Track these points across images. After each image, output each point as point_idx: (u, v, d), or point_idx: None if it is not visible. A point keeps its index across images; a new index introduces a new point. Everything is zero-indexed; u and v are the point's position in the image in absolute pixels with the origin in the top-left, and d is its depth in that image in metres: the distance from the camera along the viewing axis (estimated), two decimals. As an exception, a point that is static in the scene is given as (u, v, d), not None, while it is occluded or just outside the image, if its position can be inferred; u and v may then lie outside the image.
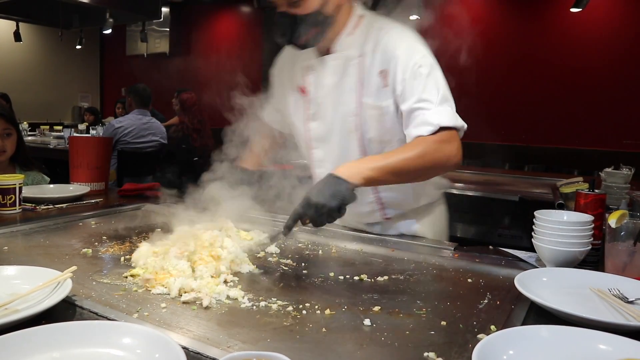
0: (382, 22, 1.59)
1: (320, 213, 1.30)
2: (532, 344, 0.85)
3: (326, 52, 1.63)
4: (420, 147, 1.44)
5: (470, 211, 3.02)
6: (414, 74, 1.48)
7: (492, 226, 2.99)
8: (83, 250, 1.50)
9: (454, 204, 3.10)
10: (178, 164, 5.32)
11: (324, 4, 1.51)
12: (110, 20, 5.86)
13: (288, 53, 1.80)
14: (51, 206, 2.06)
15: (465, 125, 1.50)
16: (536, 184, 3.43)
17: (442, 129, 1.44)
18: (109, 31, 6.25)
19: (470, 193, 3.01)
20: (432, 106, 1.46)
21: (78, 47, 7.93)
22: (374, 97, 1.56)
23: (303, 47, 1.58)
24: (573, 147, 5.63)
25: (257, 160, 1.83)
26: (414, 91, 1.48)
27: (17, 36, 7.08)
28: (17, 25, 7.07)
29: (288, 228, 1.35)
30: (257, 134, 1.85)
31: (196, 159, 5.00)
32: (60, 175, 4.70)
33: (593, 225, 1.35)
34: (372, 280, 1.31)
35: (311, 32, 1.53)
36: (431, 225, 1.81)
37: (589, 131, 5.59)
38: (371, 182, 1.40)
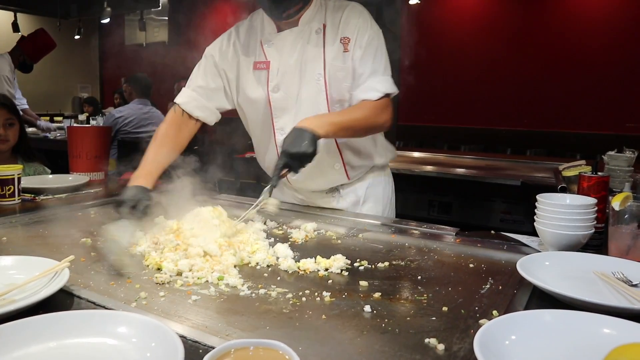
0: (339, 1, 1.84)
1: (298, 159, 1.52)
2: (534, 328, 0.84)
3: (287, 26, 1.79)
4: (366, 111, 1.71)
5: (472, 196, 3.00)
6: (369, 44, 1.75)
7: (494, 211, 2.97)
8: (82, 240, 1.49)
9: (455, 188, 3.10)
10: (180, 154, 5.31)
11: None
12: (108, 9, 5.82)
13: (232, 33, 1.92)
14: (50, 196, 2.05)
15: (397, 91, 1.78)
16: (538, 168, 3.41)
17: (384, 95, 1.73)
18: (107, 20, 6.22)
19: (471, 178, 2.99)
20: (379, 75, 1.75)
21: (77, 37, 7.88)
22: (338, 60, 1.76)
23: (287, 18, 1.72)
24: (575, 130, 5.59)
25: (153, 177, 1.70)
26: (367, 58, 1.75)
27: (15, 27, 7.02)
28: (15, 16, 7.01)
29: (277, 177, 1.54)
30: (164, 129, 1.85)
31: (196, 147, 4.98)
32: (60, 167, 4.69)
33: (596, 209, 1.33)
34: (373, 266, 1.30)
35: (296, 7, 1.70)
36: (378, 198, 1.99)
37: (591, 115, 5.55)
38: (329, 134, 1.61)
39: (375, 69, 1.75)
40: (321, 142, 1.59)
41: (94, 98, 9.09)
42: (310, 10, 1.78)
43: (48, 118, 7.72)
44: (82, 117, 7.53)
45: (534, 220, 1.39)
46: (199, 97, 1.87)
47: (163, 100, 6.71)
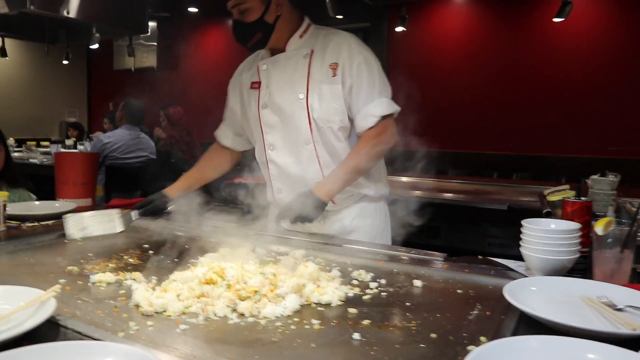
0: (328, 29, 1.98)
1: (301, 220, 1.75)
2: (521, 355, 0.84)
3: (278, 52, 1.96)
4: (365, 149, 1.83)
5: (459, 220, 3.02)
6: (359, 71, 1.84)
7: (481, 235, 2.99)
8: (69, 268, 1.48)
9: (443, 213, 3.11)
10: (167, 179, 5.30)
11: (264, 14, 1.86)
12: (97, 35, 5.81)
13: (243, 65, 2.16)
14: (36, 223, 2.03)
15: (399, 108, 1.88)
16: (524, 192, 3.44)
17: (382, 117, 1.83)
18: (95, 46, 6.21)
19: (459, 202, 3.02)
20: (374, 99, 1.84)
21: (65, 62, 7.88)
22: (324, 83, 1.87)
23: (252, 48, 1.97)
24: (559, 154, 5.67)
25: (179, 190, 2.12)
26: (360, 86, 1.84)
27: (2, 52, 7.02)
28: (3, 41, 7.01)
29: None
30: (204, 157, 2.27)
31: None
32: (47, 192, 4.65)
33: (580, 233, 1.35)
34: (362, 292, 1.30)
35: (256, 36, 1.89)
36: (370, 224, 2.05)
37: (574, 139, 5.64)
38: (340, 191, 1.85)
39: (369, 95, 1.84)
40: (304, 163, 1.92)
41: (79, 123, 9.05)
42: (297, 38, 1.94)
43: (35, 143, 7.69)
44: (69, 142, 7.49)
45: (517, 241, 1.41)
46: (226, 128, 2.22)
47: (150, 125, 6.72)
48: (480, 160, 5.63)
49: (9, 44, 7.37)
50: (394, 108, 1.87)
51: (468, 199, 3.09)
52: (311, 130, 1.89)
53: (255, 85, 2.01)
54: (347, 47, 1.87)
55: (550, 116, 5.75)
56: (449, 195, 3.27)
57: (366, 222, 2.02)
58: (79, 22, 5.86)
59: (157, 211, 2.04)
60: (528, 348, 0.86)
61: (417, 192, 3.40)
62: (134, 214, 2.01)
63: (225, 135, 2.22)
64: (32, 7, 4.79)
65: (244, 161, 2.25)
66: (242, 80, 2.10)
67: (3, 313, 1.03)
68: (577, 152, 5.57)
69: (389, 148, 1.92)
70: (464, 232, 3.08)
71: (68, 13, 5.02)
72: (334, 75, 1.85)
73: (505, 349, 0.85)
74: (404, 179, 4.15)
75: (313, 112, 1.87)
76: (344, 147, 1.91)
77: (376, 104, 1.84)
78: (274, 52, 1.98)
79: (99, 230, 1.90)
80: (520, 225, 1.42)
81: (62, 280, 1.35)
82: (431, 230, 3.11)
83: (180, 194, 2.06)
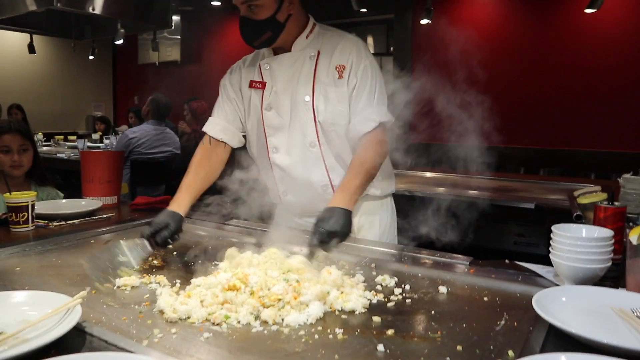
0: (333, 30, 1.94)
1: (337, 238, 1.53)
2: (552, 374, 0.82)
3: (282, 52, 1.90)
4: (371, 154, 1.76)
5: (485, 218, 2.97)
6: (364, 74, 1.82)
7: (507, 233, 2.94)
8: (95, 270, 1.49)
9: (468, 211, 3.07)
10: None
11: (276, 12, 1.79)
12: (122, 30, 5.86)
13: (240, 62, 2.06)
14: (63, 222, 2.06)
15: (393, 119, 1.84)
16: (552, 189, 3.37)
17: (379, 124, 1.79)
18: (120, 41, 6.29)
19: (485, 200, 2.97)
20: (373, 104, 1.81)
21: (91, 57, 8.00)
22: (331, 85, 1.84)
23: (258, 47, 1.88)
24: (589, 149, 5.54)
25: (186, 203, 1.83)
26: (363, 88, 1.81)
27: (31, 48, 7.15)
28: (31, 38, 7.14)
29: (311, 256, 1.50)
30: (196, 158, 1.98)
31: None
32: (75, 187, 4.73)
33: (613, 241, 1.31)
34: (386, 299, 1.29)
35: (266, 35, 1.81)
36: (377, 221, 2.02)
37: (605, 133, 5.49)
38: (354, 200, 1.68)
39: (369, 99, 1.82)
40: (310, 166, 1.89)
41: (106, 117, 9.17)
42: (303, 38, 1.88)
43: (62, 137, 7.82)
44: (95, 136, 7.62)
45: (548, 245, 1.38)
46: (221, 122, 2.02)
47: (175, 119, 6.78)
48: (507, 155, 5.52)
49: (37, 40, 7.49)
50: (390, 117, 1.83)
51: (494, 196, 3.04)
52: (317, 132, 1.86)
53: (257, 85, 1.94)
54: (356, 50, 1.84)
55: (580, 109, 5.62)
56: (474, 192, 3.21)
57: (373, 219, 2.01)
58: (104, 18, 5.94)
59: (173, 235, 1.69)
60: (559, 367, 0.83)
61: (441, 189, 3.35)
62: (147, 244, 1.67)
63: (221, 129, 2.00)
64: (59, 5, 4.85)
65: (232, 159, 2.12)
66: (243, 77, 2.01)
67: (31, 320, 1.04)
68: (608, 146, 5.43)
69: (385, 156, 1.89)
70: (489, 230, 3.04)
71: (94, 9, 5.07)
72: (340, 77, 1.83)
73: (535, 367, 0.82)
74: (428, 174, 4.11)
75: (319, 115, 1.85)
76: (349, 149, 1.88)
77: (375, 109, 1.81)
78: (277, 51, 1.93)
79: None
80: (548, 225, 1.38)
81: (87, 283, 1.36)
82: (455, 228, 3.06)
83: (188, 209, 1.82)
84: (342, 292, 1.26)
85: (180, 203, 1.79)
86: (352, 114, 1.83)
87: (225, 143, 2.00)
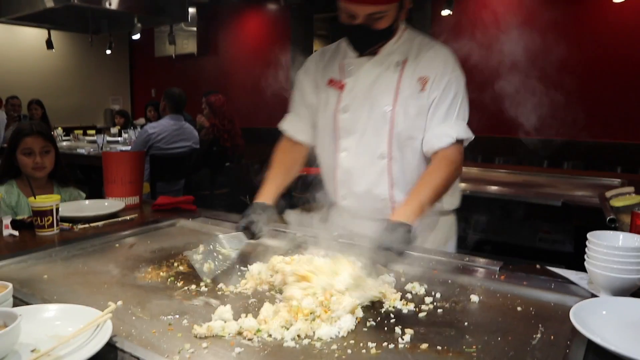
0: (423, 37, 1.84)
1: (395, 259, 1.45)
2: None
3: (368, 54, 1.81)
4: (443, 172, 1.68)
5: (509, 215, 2.93)
6: (448, 87, 1.74)
7: (533, 230, 2.90)
8: (121, 277, 1.49)
9: (492, 207, 3.03)
10: (210, 168, 5.34)
11: (395, 21, 1.73)
12: (139, 25, 5.89)
13: (317, 55, 1.98)
14: (87, 225, 2.07)
15: (472, 136, 1.77)
16: (578, 184, 3.31)
17: (456, 140, 1.71)
18: (137, 36, 6.30)
19: (509, 197, 2.92)
20: (452, 119, 1.74)
21: (108, 51, 8.02)
22: (412, 97, 1.75)
23: (369, 54, 1.79)
24: (615, 140, 5.42)
25: (273, 195, 1.80)
26: (443, 102, 1.73)
27: (49, 44, 7.19)
28: (49, 34, 7.17)
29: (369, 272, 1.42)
30: (279, 156, 1.95)
31: (228, 164, 5.01)
32: (95, 182, 4.77)
33: (652, 249, 1.27)
34: (417, 309, 1.27)
35: (380, 44, 1.77)
36: (433, 237, 1.91)
37: (631, 124, 5.37)
38: (422, 215, 1.57)
39: (449, 113, 1.74)
40: (374, 177, 1.82)
41: (125, 111, 9.21)
42: (393, 43, 1.80)
43: (81, 131, 7.89)
44: (114, 130, 7.67)
45: (574, 243, 1.34)
46: (298, 121, 1.98)
47: (193, 112, 6.80)
48: (528, 148, 5.43)
49: (55, 36, 7.54)
50: (469, 135, 1.75)
51: (520, 193, 2.99)
52: (389, 144, 1.79)
53: (337, 84, 1.85)
54: (443, 62, 1.75)
55: (605, 99, 5.50)
56: (497, 188, 3.17)
57: (431, 234, 1.90)
58: (120, 13, 5.96)
59: (265, 225, 1.68)
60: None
61: (463, 185, 3.31)
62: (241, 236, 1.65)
63: (299, 129, 1.98)
64: (76, 1, 4.87)
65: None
66: (319, 73, 1.93)
67: (62, 335, 1.04)
68: (635, 138, 5.31)
69: (458, 177, 1.83)
70: (513, 226, 2.99)
71: (110, 5, 5.09)
72: (423, 89, 1.74)
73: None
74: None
75: (396, 127, 1.76)
76: (419, 166, 1.81)
77: (454, 124, 1.73)
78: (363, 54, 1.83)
79: (220, 266, 1.54)
80: (576, 223, 1.35)
81: (114, 291, 1.36)
82: (479, 224, 3.03)
83: (276, 199, 1.80)
84: (373, 303, 1.25)
85: (267, 195, 1.77)
86: (428, 127, 1.76)
87: (300, 141, 1.98)
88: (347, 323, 1.14)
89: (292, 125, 1.99)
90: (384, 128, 1.78)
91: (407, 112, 1.75)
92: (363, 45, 1.78)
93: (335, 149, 1.89)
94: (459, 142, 1.73)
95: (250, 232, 1.64)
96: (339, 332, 1.12)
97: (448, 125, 1.73)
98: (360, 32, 1.71)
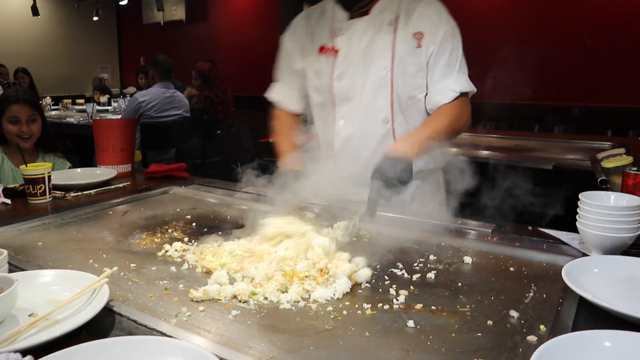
0: None
1: (396, 190, 1.43)
2: (592, 354, 0.81)
3: (357, 15, 1.76)
4: (447, 117, 1.66)
5: (501, 179, 2.94)
6: (444, 40, 1.69)
7: (525, 195, 2.91)
8: (115, 243, 1.49)
9: (483, 172, 3.04)
10: (201, 137, 5.31)
11: None
12: (126, -10, 5.75)
13: (302, 19, 1.93)
14: (80, 193, 2.06)
15: (475, 89, 1.72)
16: (569, 148, 3.33)
17: (460, 94, 1.68)
18: (124, 2, 6.16)
19: (501, 161, 2.93)
20: (453, 73, 1.70)
21: (95, 18, 7.88)
22: (409, 55, 1.71)
23: (356, 10, 1.74)
24: (605, 104, 5.42)
25: (297, 157, 1.79)
26: (441, 56, 1.69)
27: (34, 10, 7.06)
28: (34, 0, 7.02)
29: (372, 213, 1.43)
30: (278, 123, 1.93)
31: (219, 132, 4.98)
32: (85, 150, 4.72)
33: (642, 208, 1.28)
34: (410, 270, 1.28)
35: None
36: (430, 194, 1.91)
37: (621, 88, 5.37)
38: (420, 154, 1.56)
39: (450, 67, 1.70)
40: (378, 141, 1.77)
41: (105, 86, 8.82)
42: (383, 1, 1.75)
43: (70, 101, 7.78)
44: (103, 99, 7.56)
45: (566, 206, 1.36)
46: (287, 90, 1.95)
47: (182, 80, 6.71)
48: (520, 112, 5.43)
49: (41, 2, 7.38)
50: (472, 87, 1.72)
51: (510, 157, 3.00)
52: (392, 107, 1.75)
53: (330, 51, 1.80)
54: (436, 14, 1.71)
55: (594, 63, 5.48)
56: (488, 152, 3.18)
57: (426, 190, 1.89)
58: (107, -22, 5.82)
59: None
60: (600, 347, 0.82)
61: (454, 149, 3.31)
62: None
63: (289, 99, 1.95)
64: (60, -35, 4.72)
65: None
66: (308, 38, 1.88)
67: (59, 299, 1.04)
68: (624, 101, 5.32)
69: (463, 131, 1.77)
70: (505, 191, 3.01)
71: (96, -31, 4.96)
72: (419, 46, 1.70)
73: (573, 346, 0.81)
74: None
75: (397, 89, 1.73)
76: None
77: (455, 78, 1.69)
78: (352, 13, 1.78)
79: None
80: (567, 185, 1.36)
81: (110, 258, 1.36)
82: (470, 189, 3.04)
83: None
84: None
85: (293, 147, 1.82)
86: (430, 83, 1.72)
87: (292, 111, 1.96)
88: (343, 286, 1.15)
89: (282, 96, 1.95)
90: (384, 91, 1.74)
91: (405, 71, 1.72)
92: (350, 3, 1.73)
93: (334, 117, 1.85)
94: (464, 94, 1.70)
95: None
96: (334, 295, 1.13)
97: (450, 79, 1.69)
98: None
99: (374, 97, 1.76)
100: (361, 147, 1.81)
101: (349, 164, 1.86)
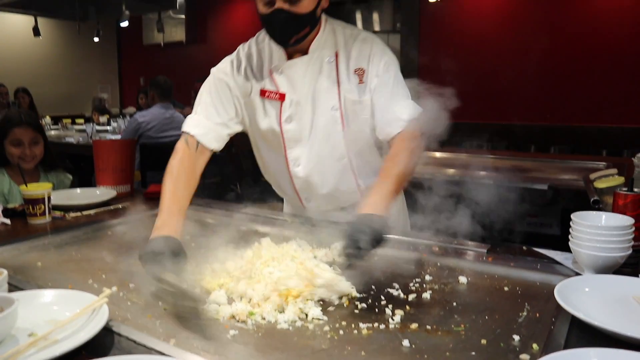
0: (343, 25, 1.78)
1: (373, 246, 1.28)
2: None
3: (296, 53, 1.71)
4: (404, 159, 1.56)
5: (497, 200, 2.97)
6: (385, 71, 1.69)
7: (521, 215, 2.94)
8: (115, 264, 1.51)
9: (480, 192, 3.06)
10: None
11: (317, 5, 1.61)
12: (127, 12, 5.86)
13: (235, 60, 1.81)
14: (79, 213, 2.08)
15: (421, 109, 1.66)
16: (564, 168, 3.36)
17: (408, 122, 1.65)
18: (125, 23, 6.24)
19: (497, 181, 2.96)
20: (400, 100, 1.68)
21: (96, 39, 7.96)
22: (354, 93, 1.71)
23: (294, 44, 1.65)
24: (600, 124, 5.48)
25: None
26: (385, 86, 1.68)
27: (36, 31, 7.13)
28: (36, 20, 7.11)
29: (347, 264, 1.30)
30: (177, 168, 1.67)
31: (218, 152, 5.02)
32: (84, 171, 4.74)
33: (633, 229, 1.30)
34: (406, 290, 1.30)
35: (304, 31, 1.62)
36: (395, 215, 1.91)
37: (616, 108, 5.44)
38: (389, 207, 1.46)
39: (395, 95, 1.68)
40: (338, 177, 1.79)
41: (103, 107, 8.86)
42: (320, 37, 1.71)
43: (70, 120, 7.83)
44: (102, 119, 7.61)
45: (561, 226, 1.38)
46: (215, 127, 1.75)
47: (182, 100, 6.78)
48: (517, 132, 5.48)
49: (42, 23, 7.47)
50: (418, 109, 1.66)
51: (506, 177, 3.02)
52: (346, 144, 1.76)
53: (273, 95, 1.75)
54: (374, 48, 1.71)
55: (590, 84, 5.56)
56: (485, 173, 3.20)
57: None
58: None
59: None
60: (588, 365, 0.83)
61: (452, 170, 3.35)
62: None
63: (212, 136, 1.74)
64: (63, -13, 4.80)
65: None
66: (250, 81, 1.78)
67: (59, 319, 1.06)
68: (619, 122, 5.38)
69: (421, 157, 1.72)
70: (501, 212, 3.03)
71: (98, -9, 5.05)
72: (361, 82, 1.70)
73: (563, 365, 0.83)
74: (438, 154, 4.09)
75: (347, 125, 1.73)
76: (378, 155, 1.82)
77: (402, 106, 1.66)
78: (290, 52, 1.72)
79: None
80: (562, 205, 1.38)
81: (110, 278, 1.38)
82: (467, 211, 3.06)
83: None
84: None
85: (170, 226, 1.44)
86: (377, 115, 1.70)
87: (211, 150, 1.75)
88: (324, 294, 1.22)
89: (203, 130, 1.73)
90: (335, 128, 1.74)
91: (352, 108, 1.72)
92: (286, 32, 1.60)
93: (286, 159, 1.82)
94: (412, 121, 1.65)
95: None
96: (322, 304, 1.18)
97: (397, 107, 1.66)
98: (282, 15, 1.55)
99: (326, 137, 1.75)
100: (321, 185, 1.82)
101: (312, 199, 1.89)
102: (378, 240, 1.29)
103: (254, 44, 1.83)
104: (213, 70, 1.83)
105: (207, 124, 1.74)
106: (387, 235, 1.33)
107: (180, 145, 1.72)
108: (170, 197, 1.56)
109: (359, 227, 1.29)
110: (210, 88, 1.79)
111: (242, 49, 1.84)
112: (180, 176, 1.64)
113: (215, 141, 1.75)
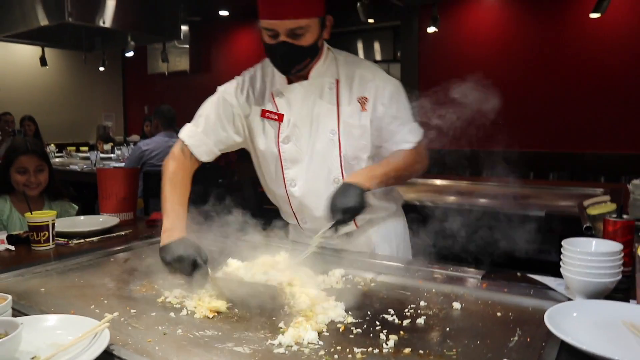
0: (345, 55, 1.87)
1: (349, 214, 1.55)
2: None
3: (297, 79, 1.81)
4: (405, 158, 1.76)
5: (495, 227, 3.00)
6: (391, 98, 1.78)
7: (519, 241, 2.96)
8: (116, 290, 1.54)
9: (477, 219, 3.09)
10: (202, 184, 5.38)
11: (318, 38, 1.71)
12: (132, 43, 5.95)
13: (247, 80, 1.92)
14: (82, 240, 2.11)
15: (423, 131, 1.80)
16: (562, 195, 3.39)
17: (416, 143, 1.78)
18: (131, 54, 6.37)
19: (494, 209, 2.99)
20: (407, 124, 1.78)
21: (101, 68, 8.10)
22: (354, 118, 1.78)
23: (295, 73, 1.76)
24: (598, 151, 5.53)
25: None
26: (392, 112, 1.77)
27: (42, 61, 7.25)
28: (43, 51, 7.24)
29: (330, 231, 1.57)
30: (175, 176, 1.84)
31: (220, 180, 5.06)
32: (88, 198, 4.79)
33: (622, 254, 1.33)
34: (401, 316, 1.32)
35: (306, 61, 1.72)
36: (390, 239, 2.00)
37: (613, 135, 5.50)
38: (375, 186, 1.64)
39: (402, 120, 1.78)
40: (331, 190, 1.76)
41: (109, 136, 9.02)
42: (321, 65, 1.80)
43: (74, 148, 7.92)
44: (107, 146, 7.70)
45: (559, 253, 1.40)
46: (209, 142, 1.87)
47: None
48: (515, 159, 5.52)
49: (49, 53, 7.62)
50: (421, 131, 1.81)
51: (504, 205, 3.06)
52: (342, 168, 1.81)
53: (273, 116, 1.83)
54: (377, 78, 1.79)
55: (588, 111, 5.63)
56: (483, 200, 3.24)
57: (388, 231, 1.99)
58: (114, 31, 6.03)
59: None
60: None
61: (451, 198, 3.38)
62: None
63: (205, 150, 1.87)
64: (70, 19, 4.93)
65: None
66: (249, 102, 1.88)
67: (61, 343, 1.09)
68: (617, 148, 5.43)
69: (420, 173, 1.87)
70: (499, 238, 3.05)
71: (104, 23, 5.16)
72: (363, 109, 1.78)
73: (549, 387, 0.85)
74: (438, 182, 4.13)
75: (344, 150, 1.79)
76: None
77: (408, 130, 1.78)
78: (291, 77, 1.81)
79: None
80: (560, 232, 1.41)
81: (111, 304, 1.41)
82: (465, 238, 3.09)
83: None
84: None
85: (179, 229, 1.65)
86: (385, 139, 1.79)
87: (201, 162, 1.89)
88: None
89: (196, 141, 1.86)
90: (333, 152, 1.80)
91: (351, 133, 1.78)
92: (289, 63, 1.71)
93: (283, 179, 1.88)
94: (419, 143, 1.79)
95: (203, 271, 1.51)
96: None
97: (404, 131, 1.78)
98: (285, 48, 1.65)
99: (323, 160, 1.82)
100: (315, 207, 1.85)
101: (309, 220, 1.94)
102: (354, 209, 1.53)
103: (259, 68, 1.93)
104: (219, 88, 1.95)
105: (202, 137, 1.87)
106: (362, 205, 1.55)
107: (176, 151, 1.89)
108: (176, 200, 1.78)
109: (336, 195, 1.54)
110: (213, 105, 1.91)
111: (247, 72, 1.95)
112: (180, 182, 1.84)
113: (206, 155, 1.89)
